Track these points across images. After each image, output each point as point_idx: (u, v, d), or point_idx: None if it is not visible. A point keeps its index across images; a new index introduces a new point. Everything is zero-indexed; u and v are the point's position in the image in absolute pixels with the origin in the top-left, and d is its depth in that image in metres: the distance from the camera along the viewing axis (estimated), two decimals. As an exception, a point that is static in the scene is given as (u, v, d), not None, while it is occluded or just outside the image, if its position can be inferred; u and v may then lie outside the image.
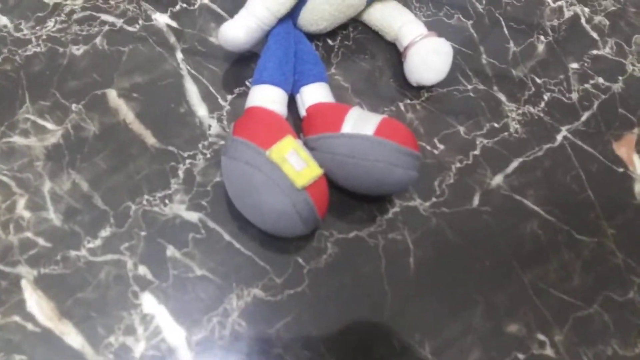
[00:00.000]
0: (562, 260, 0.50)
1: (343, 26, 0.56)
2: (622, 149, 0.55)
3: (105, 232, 0.46)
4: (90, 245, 0.46)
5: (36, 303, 0.44)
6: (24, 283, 0.44)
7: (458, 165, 0.52)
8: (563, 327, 0.47)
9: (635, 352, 0.47)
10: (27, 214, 0.46)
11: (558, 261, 0.50)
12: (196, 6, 0.57)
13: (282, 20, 0.51)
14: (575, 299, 0.49)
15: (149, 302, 0.45)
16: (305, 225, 0.42)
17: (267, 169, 0.41)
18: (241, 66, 0.54)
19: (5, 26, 0.53)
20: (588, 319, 0.48)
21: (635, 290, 0.50)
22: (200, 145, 0.50)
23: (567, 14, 0.61)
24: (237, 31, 0.48)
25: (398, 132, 0.45)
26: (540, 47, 0.59)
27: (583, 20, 0.61)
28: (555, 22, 0.60)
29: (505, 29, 0.59)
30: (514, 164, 0.53)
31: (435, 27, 0.57)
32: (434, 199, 0.50)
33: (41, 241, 0.45)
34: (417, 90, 0.55)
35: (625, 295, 0.49)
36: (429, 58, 0.52)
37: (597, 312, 0.48)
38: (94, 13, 0.55)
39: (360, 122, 0.45)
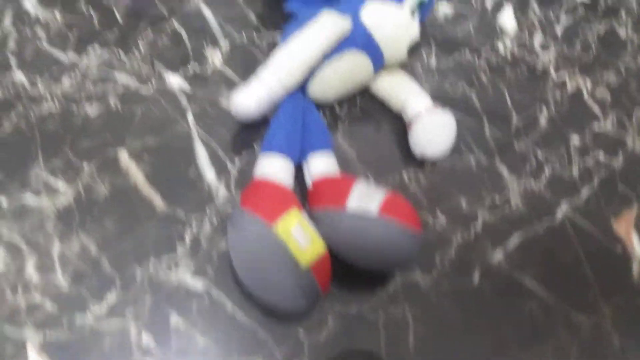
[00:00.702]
0: (560, 342, 0.50)
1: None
2: (621, 227, 0.56)
3: (111, 297, 0.47)
4: (96, 309, 0.46)
5: (41, 368, 0.44)
6: (29, 347, 0.45)
7: (459, 239, 0.53)
8: (557, 409, 0.48)
9: None
10: (35, 276, 0.47)
11: (555, 342, 0.50)
12: (209, 70, 0.58)
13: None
14: (571, 379, 0.49)
15: (151, 369, 0.45)
16: (308, 303, 0.43)
17: (272, 246, 0.42)
18: (251, 131, 0.55)
19: (21, 82, 0.55)
20: (582, 403, 0.49)
21: (630, 372, 0.50)
22: (207, 210, 0.51)
23: (570, 86, 0.62)
24: (248, 101, 0.50)
25: (401, 210, 0.46)
26: (543, 120, 0.60)
27: (585, 93, 0.62)
28: (558, 95, 0.62)
29: (508, 101, 0.60)
30: (514, 239, 0.54)
31: (440, 96, 0.59)
32: (434, 274, 0.51)
33: (48, 304, 0.46)
34: (421, 160, 0.56)
35: (621, 377, 0.50)
36: (433, 133, 0.53)
37: (592, 393, 0.49)
38: (109, 71, 0.56)
39: (365, 198, 0.46)
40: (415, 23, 0.52)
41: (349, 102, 0.58)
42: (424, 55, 0.62)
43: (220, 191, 0.52)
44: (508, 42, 0.63)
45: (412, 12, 0.50)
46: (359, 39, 0.51)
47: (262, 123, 0.55)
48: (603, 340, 0.51)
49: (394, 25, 0.52)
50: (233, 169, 0.53)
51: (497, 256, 0.53)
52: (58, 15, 0.59)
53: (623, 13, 0.68)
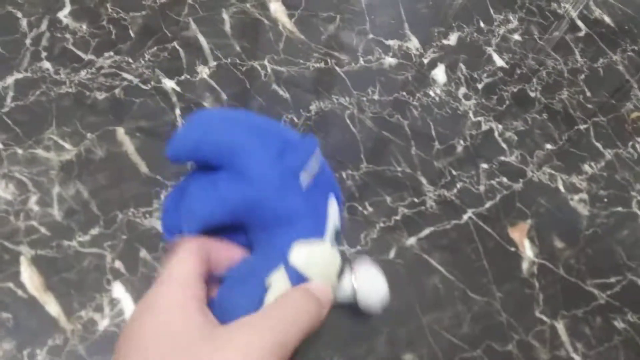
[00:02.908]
0: (456, 311, 0.62)
1: (306, 107, 0.72)
2: (515, 233, 0.69)
3: (94, 231, 0.58)
4: (81, 239, 0.57)
5: (29, 276, 0.55)
6: (22, 259, 0.55)
7: (381, 225, 0.65)
8: (447, 360, 0.59)
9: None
10: (35, 208, 0.58)
11: (452, 311, 0.62)
12: (197, 78, 0.72)
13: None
14: (463, 343, 0.60)
15: (118, 289, 0.56)
16: None
17: None
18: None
19: (47, 69, 0.69)
20: None
21: (513, 344, 0.62)
22: (181, 178, 0.63)
23: (484, 127, 0.78)
24: None
25: None
26: (459, 149, 0.75)
27: (496, 134, 0.77)
28: (474, 132, 0.77)
29: (432, 131, 0.75)
30: (426, 231, 0.66)
31: (378, 124, 0.73)
32: (358, 247, 0.63)
33: (43, 230, 0.57)
34: (358, 163, 0.69)
35: (505, 347, 0.61)
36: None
37: (480, 357, 0.60)
38: (118, 71, 0.71)
39: None
40: (337, 252, 0.48)
41: (306, 112, 0.73)
42: (369, 91, 0.77)
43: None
44: (437, 90, 0.80)
45: (332, 244, 0.48)
46: (292, 279, 0.52)
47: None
48: (492, 316, 0.63)
49: (323, 263, 0.49)
50: (206, 152, 0.66)
51: (411, 241, 0.65)
52: (84, 26, 0.74)
53: (534, 80, 0.85)
